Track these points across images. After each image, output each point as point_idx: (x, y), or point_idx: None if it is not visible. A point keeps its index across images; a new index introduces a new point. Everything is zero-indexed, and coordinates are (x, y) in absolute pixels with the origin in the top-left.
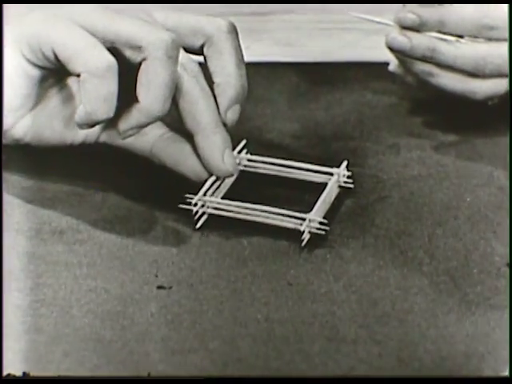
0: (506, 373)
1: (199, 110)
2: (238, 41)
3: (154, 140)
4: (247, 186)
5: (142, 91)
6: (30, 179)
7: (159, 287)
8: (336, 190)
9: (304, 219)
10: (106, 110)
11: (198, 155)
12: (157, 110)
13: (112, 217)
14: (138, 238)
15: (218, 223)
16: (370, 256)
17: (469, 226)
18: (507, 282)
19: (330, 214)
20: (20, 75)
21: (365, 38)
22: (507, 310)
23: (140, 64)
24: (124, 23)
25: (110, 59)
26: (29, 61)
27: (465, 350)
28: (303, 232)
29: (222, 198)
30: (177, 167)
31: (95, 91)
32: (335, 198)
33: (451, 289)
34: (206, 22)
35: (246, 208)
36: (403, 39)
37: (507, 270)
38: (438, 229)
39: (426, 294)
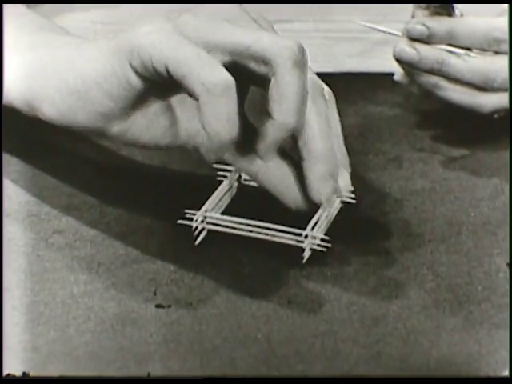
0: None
1: (311, 135)
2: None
3: (261, 165)
4: (247, 202)
5: (274, 106)
6: (27, 193)
7: (158, 306)
8: (338, 206)
9: (305, 236)
10: (229, 130)
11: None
12: (293, 123)
13: (110, 233)
14: (136, 254)
15: (218, 239)
16: (371, 273)
17: (473, 241)
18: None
19: (332, 231)
20: (124, 87)
21: (369, 48)
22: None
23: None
24: (242, 34)
25: (228, 77)
26: (137, 73)
27: (468, 371)
28: (304, 249)
29: (222, 214)
30: (279, 196)
31: (215, 112)
32: (337, 214)
33: (455, 307)
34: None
35: (247, 224)
36: (411, 51)
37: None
38: (442, 245)
39: (428, 312)
